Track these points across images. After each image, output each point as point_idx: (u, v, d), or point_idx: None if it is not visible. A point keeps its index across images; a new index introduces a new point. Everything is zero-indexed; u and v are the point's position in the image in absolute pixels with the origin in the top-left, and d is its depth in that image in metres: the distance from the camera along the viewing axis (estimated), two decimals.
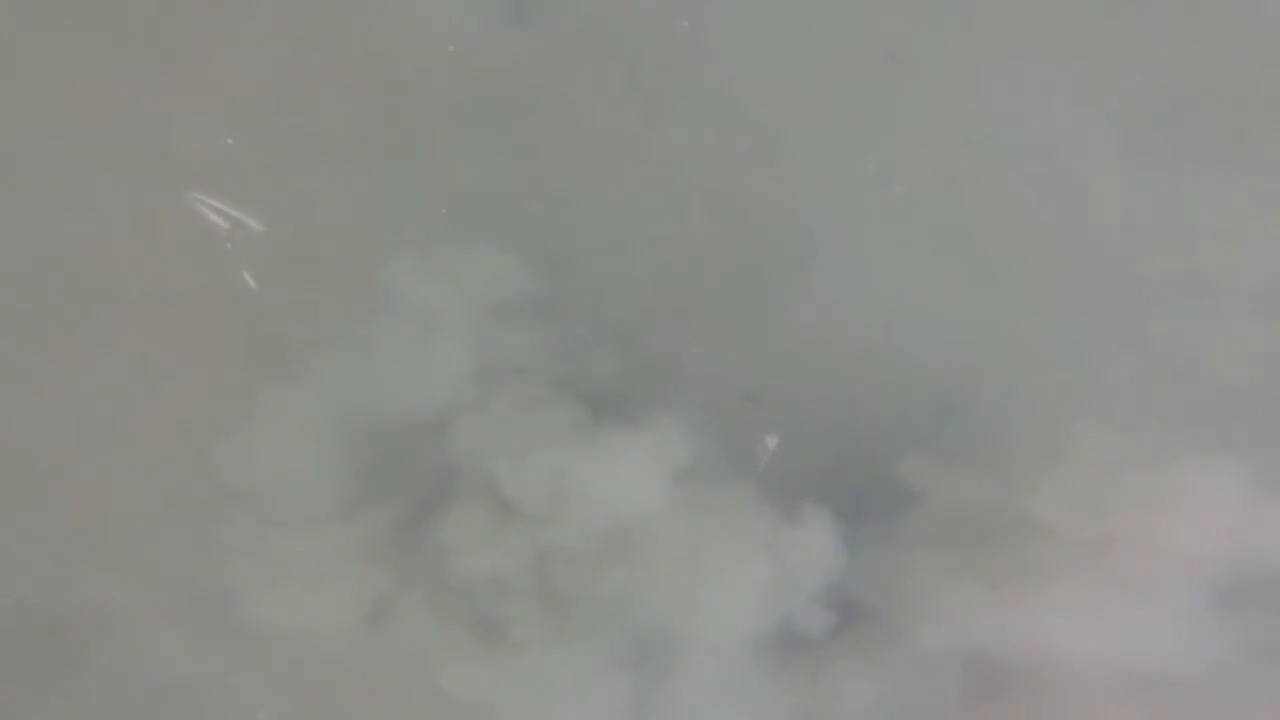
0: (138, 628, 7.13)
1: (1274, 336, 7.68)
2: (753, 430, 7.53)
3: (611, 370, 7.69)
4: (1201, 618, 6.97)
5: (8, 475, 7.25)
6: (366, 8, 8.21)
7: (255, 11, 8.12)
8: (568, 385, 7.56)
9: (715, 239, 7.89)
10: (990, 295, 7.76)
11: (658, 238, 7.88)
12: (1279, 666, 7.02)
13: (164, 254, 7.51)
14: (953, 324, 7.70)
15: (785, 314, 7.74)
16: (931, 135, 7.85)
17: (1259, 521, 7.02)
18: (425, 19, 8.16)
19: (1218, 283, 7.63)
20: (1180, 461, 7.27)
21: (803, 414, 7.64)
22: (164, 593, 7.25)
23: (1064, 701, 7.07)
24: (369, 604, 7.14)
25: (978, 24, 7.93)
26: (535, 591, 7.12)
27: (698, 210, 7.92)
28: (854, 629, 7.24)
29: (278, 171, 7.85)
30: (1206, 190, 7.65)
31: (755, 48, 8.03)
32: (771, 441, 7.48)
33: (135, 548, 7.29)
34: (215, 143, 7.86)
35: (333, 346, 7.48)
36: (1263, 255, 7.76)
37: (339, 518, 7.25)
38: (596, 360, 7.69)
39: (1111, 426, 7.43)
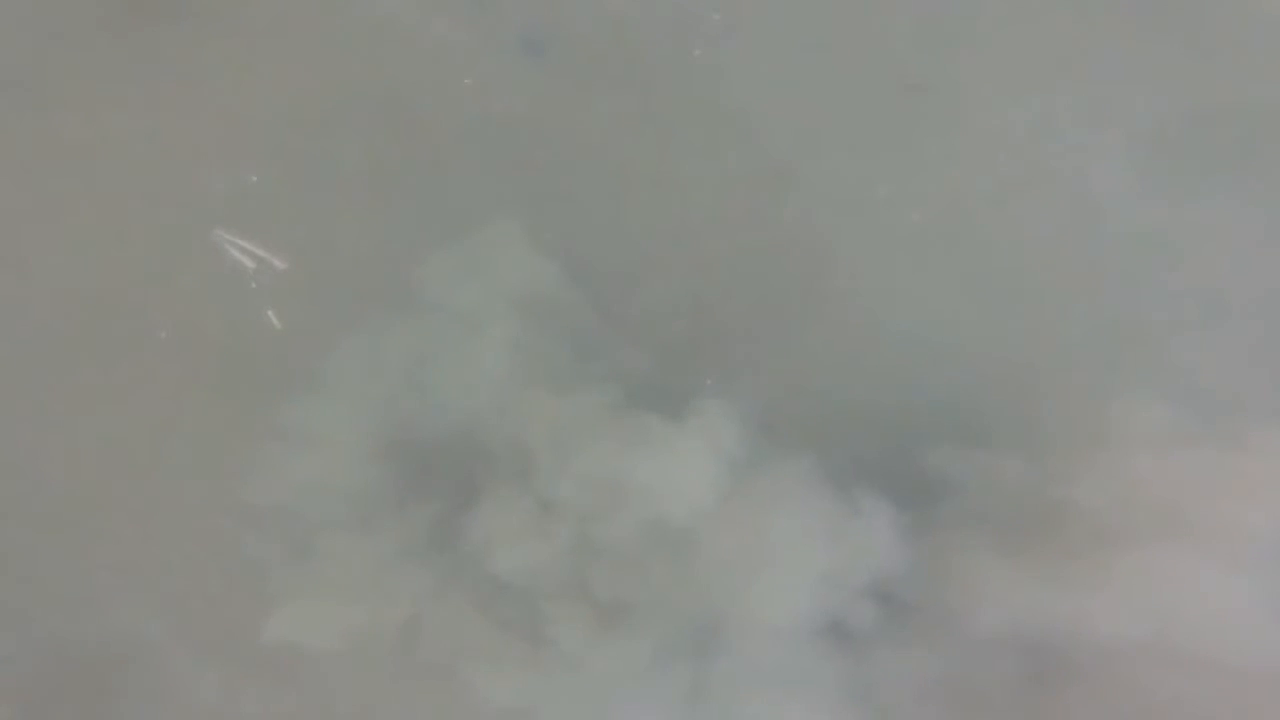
0: (172, 659, 7.24)
1: None
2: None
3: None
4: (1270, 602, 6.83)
5: (42, 511, 7.41)
6: (385, 42, 8.36)
7: (275, 48, 8.29)
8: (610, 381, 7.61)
9: (731, 267, 7.94)
10: (1007, 319, 7.75)
11: (674, 266, 7.94)
12: None
13: (192, 295, 7.66)
14: (971, 348, 7.68)
15: (802, 340, 7.76)
16: (946, 161, 7.87)
17: None
18: (442, 53, 8.29)
19: (1234, 300, 7.61)
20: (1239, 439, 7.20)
21: (825, 440, 7.63)
22: (198, 624, 7.32)
23: (1127, 689, 7.00)
24: (407, 613, 7.21)
25: (991, 50, 7.95)
26: (580, 589, 7.16)
27: (714, 238, 7.98)
28: (906, 616, 7.25)
29: (300, 207, 7.98)
30: (1221, 211, 7.63)
31: (769, 75, 8.10)
32: None
33: (168, 580, 7.39)
34: (239, 180, 8.02)
35: (360, 362, 7.60)
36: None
37: (374, 527, 7.35)
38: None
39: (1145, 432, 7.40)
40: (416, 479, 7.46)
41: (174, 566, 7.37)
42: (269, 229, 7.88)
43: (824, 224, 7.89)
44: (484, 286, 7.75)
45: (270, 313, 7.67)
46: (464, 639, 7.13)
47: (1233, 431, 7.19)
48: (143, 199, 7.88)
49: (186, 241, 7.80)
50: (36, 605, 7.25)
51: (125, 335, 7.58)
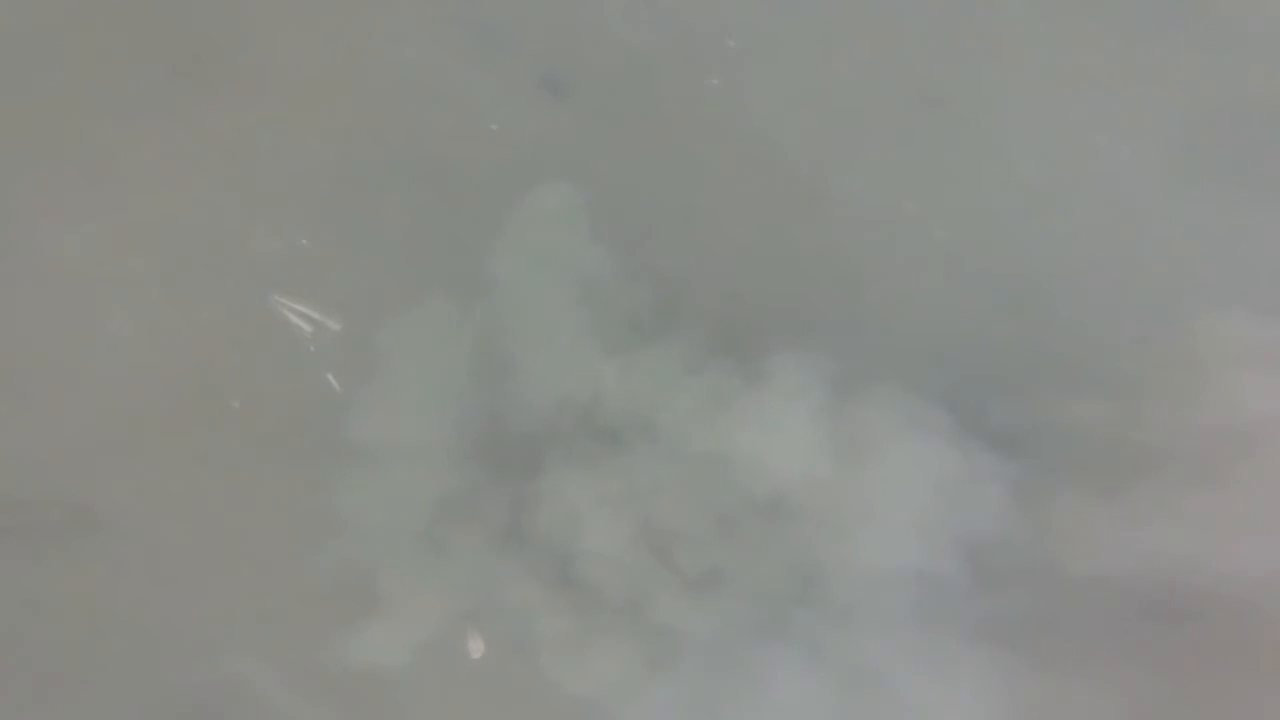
0: (279, 698, 7.88)
1: None
2: None
3: None
4: None
5: (150, 570, 8.03)
6: (405, 94, 8.54)
7: (303, 106, 8.53)
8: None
9: (762, 295, 8.09)
10: (1040, 333, 7.78)
11: (706, 297, 8.12)
12: None
13: (257, 364, 8.11)
14: (1006, 365, 7.76)
15: (835, 362, 7.91)
16: (969, 174, 7.84)
17: None
18: (462, 100, 8.47)
19: (1272, 305, 7.50)
20: None
21: (903, 395, 7.68)
22: (300, 662, 7.83)
23: (1250, 621, 6.93)
24: (505, 608, 7.48)
25: (1009, 58, 7.81)
26: (673, 564, 7.33)
27: (744, 267, 8.12)
28: (1012, 562, 7.28)
29: (348, 265, 8.34)
30: (1257, 211, 7.47)
31: (786, 98, 8.10)
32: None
33: (271, 623, 7.91)
34: (291, 243, 8.39)
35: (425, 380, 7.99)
36: None
37: (464, 532, 7.68)
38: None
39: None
40: (499, 476, 7.69)
41: (273, 610, 7.89)
42: (321, 291, 8.27)
43: (852, 245, 7.96)
44: (542, 287, 8.01)
45: (330, 376, 8.10)
46: (555, 628, 7.32)
47: None
48: (203, 272, 8.30)
49: (248, 311, 8.24)
50: (155, 656, 7.82)
51: (203, 409, 8.08)
